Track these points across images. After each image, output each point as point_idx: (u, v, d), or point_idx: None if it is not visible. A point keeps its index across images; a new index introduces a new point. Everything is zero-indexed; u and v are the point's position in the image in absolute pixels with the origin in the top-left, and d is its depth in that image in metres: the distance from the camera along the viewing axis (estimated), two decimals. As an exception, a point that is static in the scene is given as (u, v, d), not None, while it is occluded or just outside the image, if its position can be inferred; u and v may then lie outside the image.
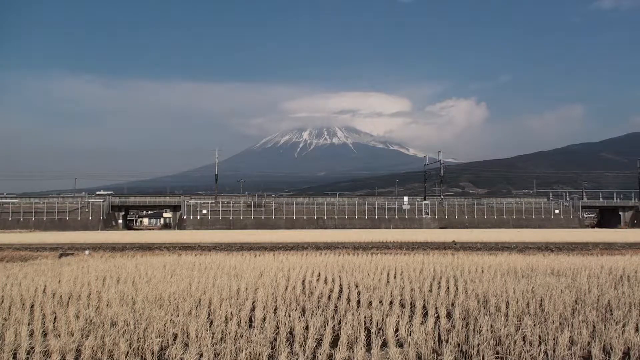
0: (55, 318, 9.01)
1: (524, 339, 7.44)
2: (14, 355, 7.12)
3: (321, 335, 7.78)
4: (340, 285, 12.76)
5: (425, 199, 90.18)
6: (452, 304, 10.14)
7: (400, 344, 7.57)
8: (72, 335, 7.79)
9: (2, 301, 10.70)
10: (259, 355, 6.93)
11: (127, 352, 6.99)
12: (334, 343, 7.41)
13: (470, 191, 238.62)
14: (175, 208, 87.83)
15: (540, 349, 6.92)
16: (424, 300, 10.57)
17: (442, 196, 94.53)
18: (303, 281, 13.33)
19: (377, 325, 8.55)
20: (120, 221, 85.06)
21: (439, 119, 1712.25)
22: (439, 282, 13.09)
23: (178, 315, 8.91)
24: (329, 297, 11.22)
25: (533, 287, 11.57)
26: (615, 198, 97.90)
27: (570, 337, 7.42)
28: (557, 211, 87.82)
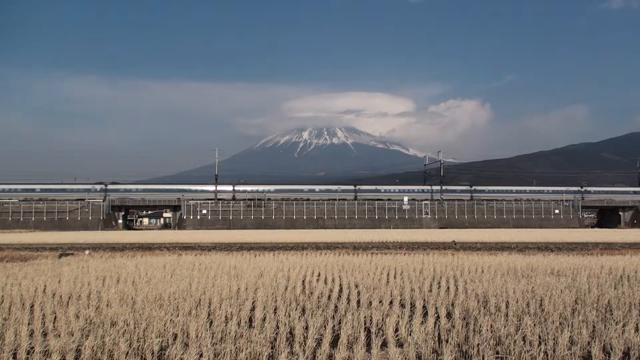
0: (55, 318, 9.01)
1: (524, 339, 7.43)
2: (14, 355, 7.12)
3: (321, 335, 7.78)
4: (340, 285, 12.75)
5: (425, 199, 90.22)
6: (452, 304, 10.13)
7: (400, 344, 7.57)
8: (72, 335, 7.78)
9: (2, 301, 10.69)
10: (259, 355, 6.93)
11: (127, 352, 6.99)
12: (334, 343, 7.40)
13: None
14: (175, 208, 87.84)
15: (540, 349, 6.92)
16: (424, 300, 10.56)
17: (442, 196, 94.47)
18: (303, 281, 13.32)
19: (377, 325, 8.54)
20: (120, 221, 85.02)
21: (443, 119, 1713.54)
22: (439, 282, 13.08)
23: (178, 315, 8.90)
24: (329, 297, 11.21)
25: (533, 287, 11.56)
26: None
27: (570, 337, 7.42)
28: (557, 211, 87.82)
